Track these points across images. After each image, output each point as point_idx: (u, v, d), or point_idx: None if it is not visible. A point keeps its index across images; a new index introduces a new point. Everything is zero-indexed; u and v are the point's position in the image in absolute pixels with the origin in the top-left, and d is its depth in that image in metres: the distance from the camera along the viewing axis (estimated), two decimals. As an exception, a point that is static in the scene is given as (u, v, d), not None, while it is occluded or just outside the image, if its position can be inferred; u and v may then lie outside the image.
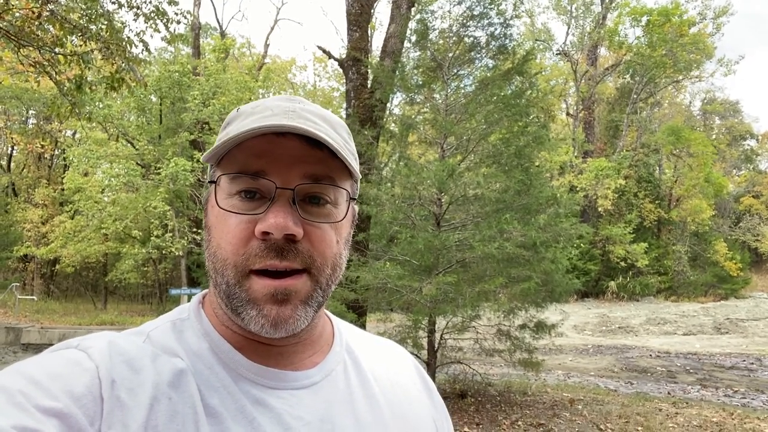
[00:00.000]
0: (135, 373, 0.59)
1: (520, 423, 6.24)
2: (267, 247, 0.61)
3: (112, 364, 0.58)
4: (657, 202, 27.22)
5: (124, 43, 6.10)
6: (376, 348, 0.81)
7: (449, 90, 7.64)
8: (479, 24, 7.58)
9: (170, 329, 0.67)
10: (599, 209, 25.12)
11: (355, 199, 0.72)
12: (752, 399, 8.63)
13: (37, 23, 5.68)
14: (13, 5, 5.62)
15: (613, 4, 29.09)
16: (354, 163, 0.67)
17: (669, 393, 9.03)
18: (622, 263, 24.45)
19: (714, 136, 36.64)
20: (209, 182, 0.68)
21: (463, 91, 7.88)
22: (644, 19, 26.34)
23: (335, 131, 0.67)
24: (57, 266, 23.17)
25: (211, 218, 0.67)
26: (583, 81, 29.64)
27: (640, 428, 6.14)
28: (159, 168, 16.87)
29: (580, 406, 7.14)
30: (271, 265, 0.61)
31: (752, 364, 11.73)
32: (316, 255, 0.64)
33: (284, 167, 0.63)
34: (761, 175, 37.62)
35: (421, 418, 0.76)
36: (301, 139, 0.63)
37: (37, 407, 0.51)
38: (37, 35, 5.83)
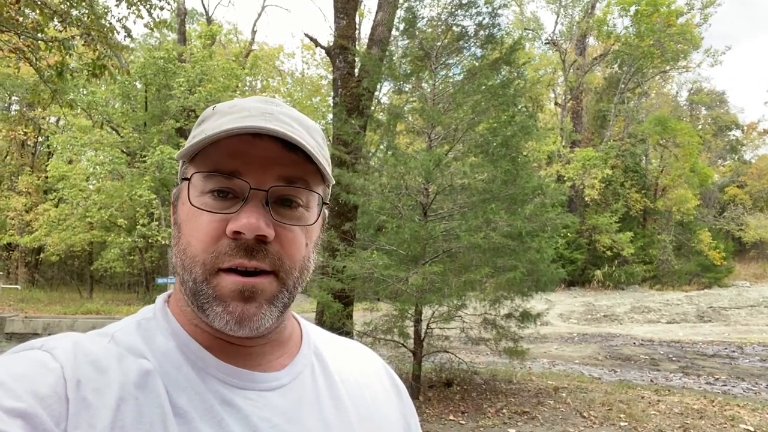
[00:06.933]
0: (101, 373, 0.58)
1: (504, 411, 6.30)
2: (237, 246, 0.62)
3: (78, 364, 0.58)
4: (643, 191, 27.43)
5: (105, 29, 5.99)
6: (343, 350, 0.82)
7: (437, 79, 7.61)
8: (467, 13, 7.54)
9: (135, 330, 0.67)
10: (586, 199, 25.29)
11: (327, 203, 0.73)
12: (733, 386, 8.77)
13: (16, 8, 5.56)
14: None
15: (602, -6, 29.09)
16: (327, 168, 0.68)
17: (652, 381, 9.15)
18: (608, 252, 24.68)
19: (700, 127, 36.94)
20: (181, 179, 0.67)
21: (451, 80, 7.85)
22: (633, 8, 26.36)
23: (310, 136, 0.67)
24: (41, 255, 22.94)
25: (182, 215, 0.67)
26: (571, 71, 29.69)
27: (622, 415, 6.23)
28: (144, 156, 16.72)
29: (564, 394, 7.23)
30: (240, 264, 0.61)
31: (734, 352, 11.92)
32: (285, 258, 0.64)
33: (259, 168, 0.63)
34: (746, 165, 38.03)
35: (389, 419, 0.77)
36: (276, 141, 0.63)
37: (0, 407, 0.51)
38: (17, 20, 5.71)
